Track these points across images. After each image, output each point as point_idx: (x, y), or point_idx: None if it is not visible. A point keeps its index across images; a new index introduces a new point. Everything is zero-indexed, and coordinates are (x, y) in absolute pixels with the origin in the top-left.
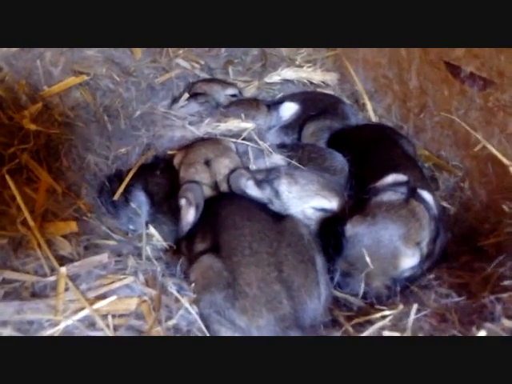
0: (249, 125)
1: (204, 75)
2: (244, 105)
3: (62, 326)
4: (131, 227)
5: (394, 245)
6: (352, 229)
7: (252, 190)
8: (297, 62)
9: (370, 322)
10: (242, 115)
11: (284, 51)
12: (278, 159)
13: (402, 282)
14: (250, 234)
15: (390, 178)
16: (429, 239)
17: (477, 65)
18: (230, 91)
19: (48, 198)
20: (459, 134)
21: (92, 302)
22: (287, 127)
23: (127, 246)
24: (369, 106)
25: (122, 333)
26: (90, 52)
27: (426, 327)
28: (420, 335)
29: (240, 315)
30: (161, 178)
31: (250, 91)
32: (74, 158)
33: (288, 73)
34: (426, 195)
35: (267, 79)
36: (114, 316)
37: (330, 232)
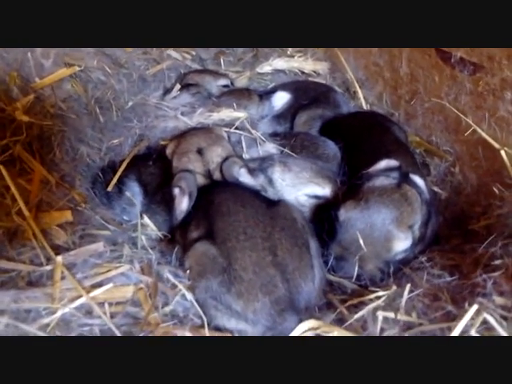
0: (241, 114)
1: (195, 66)
2: (236, 95)
3: (59, 313)
4: (125, 217)
5: (387, 228)
6: (345, 213)
7: (245, 178)
8: (288, 52)
9: (364, 304)
10: (234, 105)
11: None
12: (270, 148)
13: (395, 265)
14: (244, 220)
15: (383, 164)
16: (421, 223)
17: (466, 50)
18: (222, 82)
19: (42, 188)
20: (450, 119)
21: (88, 290)
22: (279, 116)
23: (122, 235)
24: (360, 94)
25: (118, 320)
26: None
27: (418, 306)
28: (412, 315)
29: (236, 300)
30: (154, 168)
31: (241, 82)
32: (66, 150)
33: (279, 63)
34: (418, 180)
35: (259, 69)
36: (110, 304)
37: (324, 217)
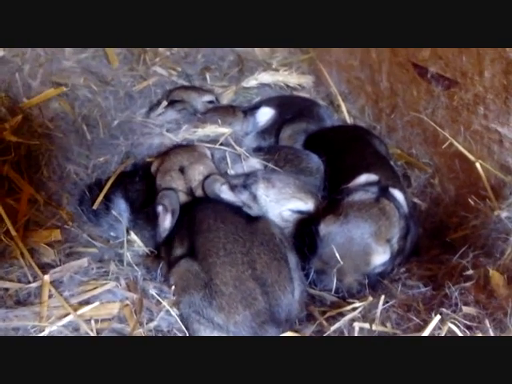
0: (226, 130)
1: (181, 82)
2: (221, 111)
3: (47, 331)
4: (112, 234)
5: (366, 242)
6: (325, 228)
7: (226, 195)
8: (273, 66)
9: (342, 315)
10: (219, 121)
11: (259, 55)
12: (254, 163)
13: (374, 278)
14: (224, 236)
15: (362, 178)
16: (399, 236)
17: (441, 65)
18: (207, 98)
19: (30, 208)
20: (428, 132)
21: (76, 307)
22: (264, 132)
23: (109, 252)
24: (343, 108)
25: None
26: (68, 63)
27: (393, 317)
28: (387, 325)
29: (218, 313)
30: (140, 185)
31: (227, 96)
32: (54, 168)
33: (265, 77)
34: (397, 194)
35: (244, 84)
36: (96, 321)
37: (305, 232)
